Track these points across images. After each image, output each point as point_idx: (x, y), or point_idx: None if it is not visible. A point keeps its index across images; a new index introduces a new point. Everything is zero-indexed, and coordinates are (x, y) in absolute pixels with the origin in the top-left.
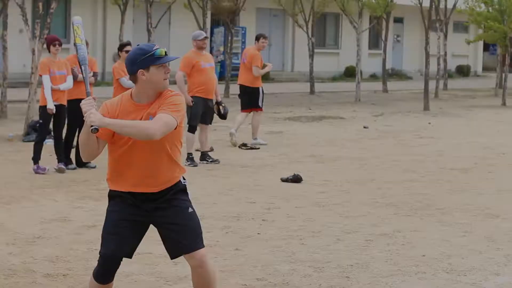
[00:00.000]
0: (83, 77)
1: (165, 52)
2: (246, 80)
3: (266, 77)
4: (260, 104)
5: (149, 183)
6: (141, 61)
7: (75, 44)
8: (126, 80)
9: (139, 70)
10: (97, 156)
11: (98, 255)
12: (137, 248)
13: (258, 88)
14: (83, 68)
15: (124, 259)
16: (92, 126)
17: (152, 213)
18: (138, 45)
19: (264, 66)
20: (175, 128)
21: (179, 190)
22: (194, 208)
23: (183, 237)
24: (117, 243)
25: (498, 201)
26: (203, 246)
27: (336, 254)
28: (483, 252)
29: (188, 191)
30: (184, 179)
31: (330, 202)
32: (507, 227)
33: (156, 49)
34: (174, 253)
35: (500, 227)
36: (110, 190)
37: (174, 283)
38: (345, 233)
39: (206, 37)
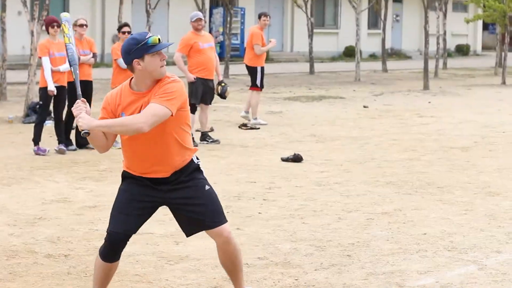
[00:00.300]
0: (74, 78)
1: (159, 40)
2: (246, 59)
3: (265, 58)
4: (257, 83)
5: (158, 169)
6: (135, 51)
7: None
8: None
9: (134, 60)
10: (110, 147)
11: (106, 233)
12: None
13: (255, 68)
14: (73, 69)
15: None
16: (83, 130)
17: (167, 193)
18: (131, 35)
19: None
20: (172, 115)
21: (193, 169)
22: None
23: (205, 215)
24: (126, 223)
25: (498, 179)
26: (227, 221)
27: (337, 233)
28: (484, 230)
29: (202, 169)
30: (197, 158)
31: (330, 181)
32: (507, 205)
33: (149, 37)
34: (194, 230)
35: (501, 205)
36: (124, 171)
37: (175, 262)
38: (346, 212)
39: (200, 19)
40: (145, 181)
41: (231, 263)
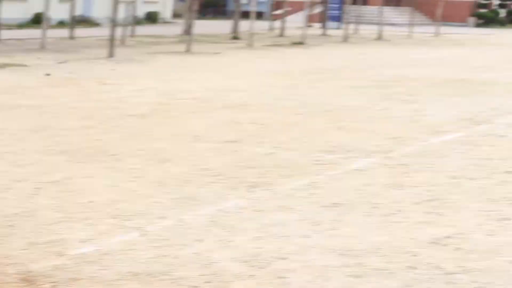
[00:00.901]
0: None
1: None
2: None
3: None
4: None
5: None
6: None
7: None
8: None
9: None
10: None
11: None
12: None
13: None
14: None
15: None
16: None
17: None
18: None
19: None
20: None
21: None
22: None
23: None
24: None
25: (171, 146)
26: None
27: (1, 203)
28: (151, 196)
29: None
30: None
31: (2, 151)
32: (176, 171)
33: None
34: None
35: (170, 171)
36: None
37: None
38: (14, 182)
39: None
40: None
41: None
